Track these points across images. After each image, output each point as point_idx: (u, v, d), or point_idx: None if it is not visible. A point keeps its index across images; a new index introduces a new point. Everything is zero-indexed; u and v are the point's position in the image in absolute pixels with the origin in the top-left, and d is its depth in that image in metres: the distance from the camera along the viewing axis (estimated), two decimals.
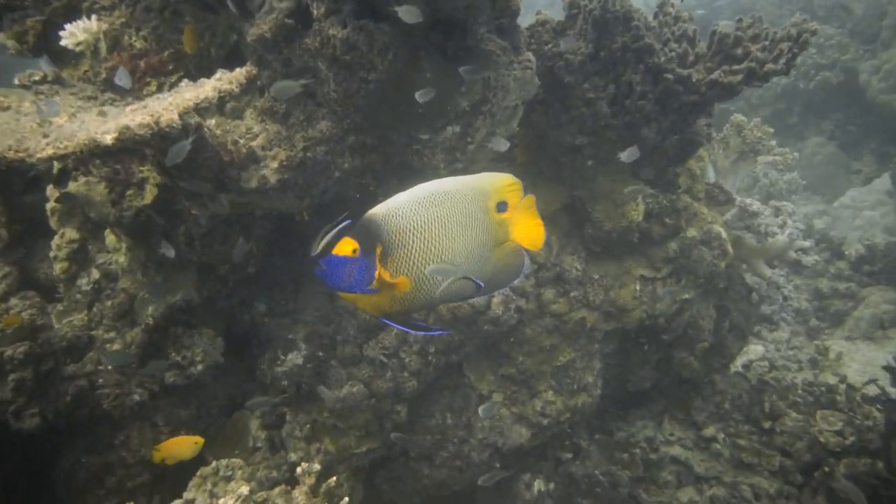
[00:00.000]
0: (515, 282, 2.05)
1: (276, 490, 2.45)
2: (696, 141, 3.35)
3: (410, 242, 1.81)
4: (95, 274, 3.34)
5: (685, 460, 4.26)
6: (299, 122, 2.65)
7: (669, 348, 4.01)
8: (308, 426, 3.18)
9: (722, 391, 4.44)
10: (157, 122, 1.87)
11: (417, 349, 3.18)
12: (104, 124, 1.84)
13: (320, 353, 3.17)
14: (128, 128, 1.77)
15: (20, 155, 1.74)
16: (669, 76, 3.05)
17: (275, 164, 2.61)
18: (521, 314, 3.28)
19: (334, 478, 2.31)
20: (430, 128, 2.79)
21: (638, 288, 3.59)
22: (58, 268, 3.36)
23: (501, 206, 1.98)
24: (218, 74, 2.22)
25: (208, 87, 2.07)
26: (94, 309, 3.30)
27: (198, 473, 2.57)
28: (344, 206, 3.10)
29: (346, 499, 2.10)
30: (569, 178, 3.38)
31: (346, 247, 1.82)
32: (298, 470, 2.30)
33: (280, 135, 2.63)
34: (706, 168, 3.79)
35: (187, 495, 2.48)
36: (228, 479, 2.42)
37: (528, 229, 2.04)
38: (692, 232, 3.66)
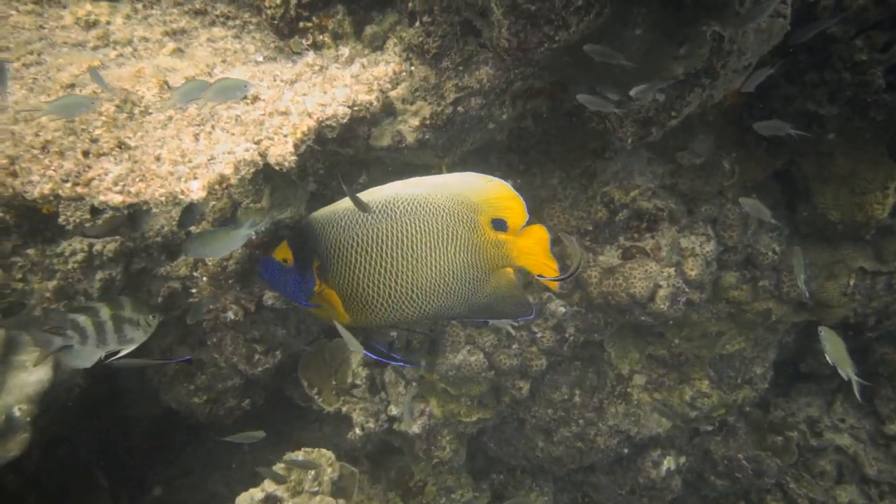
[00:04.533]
0: (527, 318, 2.07)
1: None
2: None
3: (352, 260, 1.68)
4: None
5: (853, 454, 3.90)
6: (454, 67, 2.20)
7: (870, 342, 3.54)
8: (413, 383, 3.03)
9: None
10: (263, 156, 1.52)
11: (553, 324, 2.88)
12: (196, 156, 1.51)
13: None
14: (223, 178, 1.44)
15: (78, 191, 1.45)
16: None
17: (415, 122, 2.21)
18: (689, 306, 2.89)
19: None
20: (622, 88, 2.28)
21: (851, 283, 3.07)
22: None
23: (498, 224, 1.86)
24: (356, 68, 1.78)
25: (340, 98, 1.67)
26: None
27: (284, 458, 2.48)
28: (486, 154, 2.71)
29: None
30: (794, 144, 2.79)
31: (280, 253, 1.74)
32: None
33: (427, 83, 2.20)
34: None
35: (267, 487, 2.41)
36: (313, 494, 2.32)
37: (538, 259, 1.91)
38: None
